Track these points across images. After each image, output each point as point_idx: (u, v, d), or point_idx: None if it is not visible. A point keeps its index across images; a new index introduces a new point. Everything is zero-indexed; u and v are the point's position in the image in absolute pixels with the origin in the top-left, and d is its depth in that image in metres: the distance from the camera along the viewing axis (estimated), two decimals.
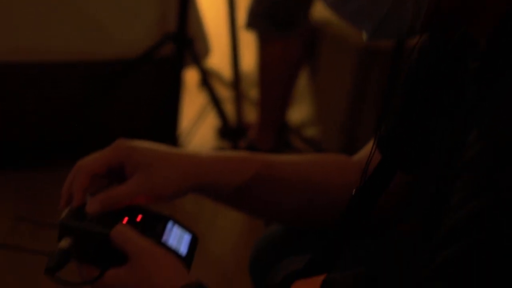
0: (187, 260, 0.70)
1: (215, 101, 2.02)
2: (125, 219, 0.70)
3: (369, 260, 0.73)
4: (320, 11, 2.18)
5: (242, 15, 2.28)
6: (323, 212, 0.81)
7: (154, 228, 0.71)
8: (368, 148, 0.84)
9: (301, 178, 0.81)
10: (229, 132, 2.07)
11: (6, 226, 1.77)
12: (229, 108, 2.59)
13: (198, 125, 2.25)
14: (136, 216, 0.72)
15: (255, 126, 2.27)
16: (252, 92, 2.72)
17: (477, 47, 0.63)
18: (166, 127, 2.17)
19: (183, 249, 0.71)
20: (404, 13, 0.60)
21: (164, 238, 0.70)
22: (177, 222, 0.74)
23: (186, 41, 2.00)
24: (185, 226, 0.75)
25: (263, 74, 2.16)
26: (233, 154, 0.79)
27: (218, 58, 2.99)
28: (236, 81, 2.55)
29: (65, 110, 2.09)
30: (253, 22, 2.11)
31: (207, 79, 2.06)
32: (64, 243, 0.68)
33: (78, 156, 0.73)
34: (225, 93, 2.76)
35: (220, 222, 1.98)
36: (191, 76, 2.68)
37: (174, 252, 0.69)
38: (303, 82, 2.46)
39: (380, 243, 0.76)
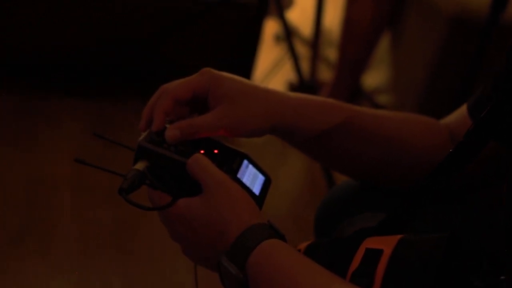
0: (260, 200, 0.69)
1: (294, 55, 1.98)
2: (202, 151, 0.69)
3: (447, 225, 0.70)
4: None
5: None
6: (403, 171, 0.78)
7: (230, 164, 0.69)
8: (458, 114, 0.80)
9: (386, 133, 0.77)
10: (301, 88, 2.03)
11: (78, 143, 1.83)
12: (303, 65, 2.55)
13: (270, 77, 2.22)
14: (213, 149, 0.70)
15: (328, 85, 2.22)
16: (328, 52, 2.67)
17: None
18: (239, 74, 2.15)
19: (256, 188, 0.69)
20: None
21: (240, 174, 0.68)
22: (253, 161, 0.72)
23: None
24: (260, 167, 0.73)
25: (346, 31, 2.11)
26: (322, 98, 0.75)
27: (298, 13, 2.93)
28: (316, 37, 2.50)
29: (141, 41, 2.09)
30: None
31: (288, 31, 2.02)
32: (140, 165, 0.67)
33: (146, 90, 0.70)
34: (301, 50, 2.72)
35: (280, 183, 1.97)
36: (268, 28, 2.65)
37: (248, 190, 0.67)
38: (382, 46, 2.39)
39: (460, 209, 0.73)
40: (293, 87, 2.32)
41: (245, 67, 2.14)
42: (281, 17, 2.00)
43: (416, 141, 0.78)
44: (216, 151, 0.70)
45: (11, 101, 2.07)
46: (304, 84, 2.01)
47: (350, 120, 0.74)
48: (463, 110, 0.79)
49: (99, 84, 2.21)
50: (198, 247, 0.65)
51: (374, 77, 2.44)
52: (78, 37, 2.11)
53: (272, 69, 2.20)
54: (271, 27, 2.65)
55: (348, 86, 2.17)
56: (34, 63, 2.16)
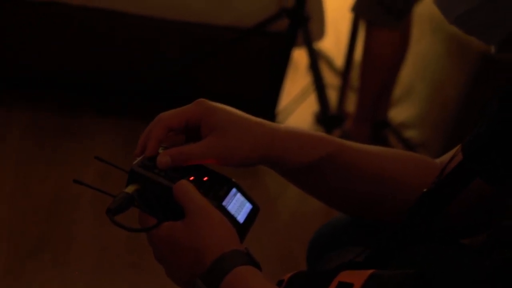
0: (243, 228, 0.71)
1: (319, 86, 2.01)
2: (192, 177, 0.72)
3: (422, 264, 0.71)
4: None
5: None
6: (392, 209, 0.79)
7: (217, 191, 0.72)
8: (453, 151, 0.81)
9: (375, 170, 0.78)
10: (326, 120, 2.05)
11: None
12: (333, 95, 2.57)
13: (297, 105, 2.25)
14: (203, 176, 0.73)
15: (352, 117, 2.24)
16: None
17: None
18: (266, 102, 2.18)
19: (241, 217, 0.71)
20: None
21: (225, 202, 0.71)
22: (242, 190, 0.75)
23: (301, 19, 1.99)
24: (248, 196, 0.75)
25: (366, 63, 2.13)
26: (310, 131, 0.78)
27: (332, 43, 2.96)
28: (347, 67, 2.52)
29: (173, 67, 2.15)
30: (364, 8, 2.07)
31: (315, 61, 2.05)
32: (130, 188, 0.71)
33: None
34: (332, 80, 2.74)
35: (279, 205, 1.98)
36: (303, 56, 2.69)
37: (231, 217, 0.70)
38: (410, 79, 2.40)
39: (438, 251, 0.73)
40: (318, 118, 2.34)
41: (272, 95, 2.17)
42: (309, 46, 2.03)
43: (406, 179, 0.79)
44: (205, 178, 0.73)
45: (44, 118, 2.14)
46: (327, 115, 2.02)
47: (336, 154, 0.76)
48: (458, 148, 0.80)
49: (131, 105, 2.27)
50: (178, 269, 0.68)
51: (403, 111, 2.44)
52: (114, 59, 2.18)
53: (299, 98, 2.22)
54: (305, 55, 2.68)
55: (370, 117, 2.18)
56: (68, 81, 2.23)
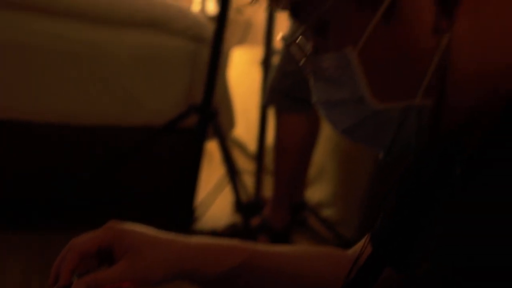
0: None
1: (233, 176, 2.04)
2: None
3: None
4: None
5: None
6: None
7: None
8: (362, 242, 0.85)
9: (291, 271, 0.81)
10: (244, 208, 2.08)
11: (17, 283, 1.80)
12: (250, 181, 2.61)
13: (215, 196, 2.27)
14: None
15: (270, 202, 2.28)
16: None
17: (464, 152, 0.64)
18: (183, 197, 2.19)
19: None
20: (410, 133, 0.62)
21: None
22: None
23: (210, 114, 2.04)
24: None
25: (279, 148, 2.19)
26: (222, 241, 0.80)
27: (243, 129, 3.03)
28: (260, 152, 2.58)
29: (87, 172, 2.14)
30: (274, 98, 2.15)
31: (227, 152, 2.09)
32: None
33: (96, 219, 0.75)
34: (247, 165, 2.80)
35: None
36: (216, 146, 2.73)
37: None
38: (322, 159, 2.47)
39: None
40: (236, 206, 2.36)
41: (189, 190, 2.18)
42: (220, 139, 2.08)
43: (321, 276, 0.82)
44: None
45: None
46: (244, 203, 2.05)
47: (249, 261, 0.78)
48: (367, 238, 0.84)
49: (46, 216, 2.19)
50: None
51: (318, 191, 2.50)
52: (25, 169, 2.14)
53: (215, 190, 2.25)
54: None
55: (287, 201, 2.23)
56: None
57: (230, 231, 2.23)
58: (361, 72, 0.60)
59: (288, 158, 2.17)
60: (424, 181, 0.72)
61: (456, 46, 0.56)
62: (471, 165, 0.59)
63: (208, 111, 2.03)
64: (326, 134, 2.37)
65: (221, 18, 1.99)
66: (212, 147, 2.78)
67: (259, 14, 4.27)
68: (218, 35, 2.00)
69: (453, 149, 0.68)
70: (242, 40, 4.37)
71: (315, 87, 0.66)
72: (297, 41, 0.65)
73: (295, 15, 0.64)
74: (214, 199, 2.26)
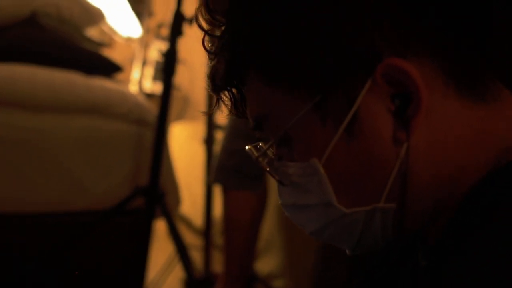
0: None
1: (182, 254, 2.05)
2: None
3: None
4: None
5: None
6: None
7: None
8: None
9: None
10: (193, 285, 2.08)
11: None
12: (199, 256, 2.61)
13: (165, 275, 2.26)
14: None
15: (221, 277, 2.28)
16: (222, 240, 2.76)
17: (426, 243, 0.69)
18: (134, 278, 2.18)
19: None
20: (375, 233, 0.66)
21: None
22: None
23: (157, 196, 2.05)
24: None
25: (227, 224, 2.21)
26: None
27: (189, 205, 3.05)
28: (207, 227, 2.58)
29: (33, 259, 2.10)
30: (221, 177, 2.18)
31: (175, 231, 2.10)
32: None
33: None
34: (195, 241, 2.80)
35: None
36: (163, 224, 2.74)
37: None
38: (270, 230, 2.51)
39: None
40: (187, 284, 2.36)
41: (138, 270, 2.17)
42: (167, 218, 2.09)
43: None
44: None
45: None
46: (194, 280, 2.05)
47: None
48: None
49: None
50: None
51: (267, 262, 2.53)
52: None
53: (165, 268, 2.24)
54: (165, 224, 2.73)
55: (239, 276, 2.24)
56: None
57: None
58: (327, 181, 0.64)
59: (239, 234, 2.20)
60: (390, 271, 0.77)
61: (413, 155, 0.61)
62: (435, 257, 0.63)
63: (155, 193, 2.05)
64: (273, 206, 2.42)
65: (165, 101, 2.03)
66: (160, 225, 2.78)
67: (196, 91, 4.36)
68: (161, 120, 2.04)
69: (416, 241, 0.73)
70: (181, 115, 4.43)
71: (280, 190, 0.69)
72: (262, 152, 0.69)
73: (258, 129, 0.69)
74: (166, 277, 2.25)
